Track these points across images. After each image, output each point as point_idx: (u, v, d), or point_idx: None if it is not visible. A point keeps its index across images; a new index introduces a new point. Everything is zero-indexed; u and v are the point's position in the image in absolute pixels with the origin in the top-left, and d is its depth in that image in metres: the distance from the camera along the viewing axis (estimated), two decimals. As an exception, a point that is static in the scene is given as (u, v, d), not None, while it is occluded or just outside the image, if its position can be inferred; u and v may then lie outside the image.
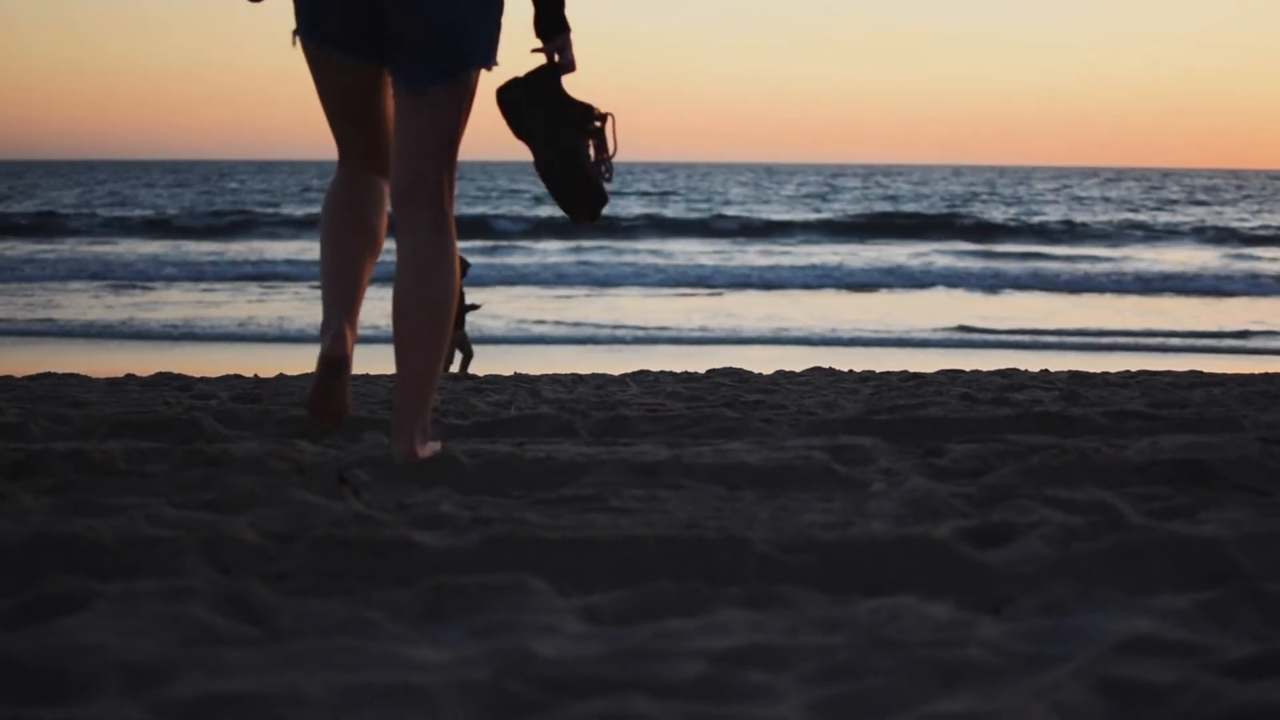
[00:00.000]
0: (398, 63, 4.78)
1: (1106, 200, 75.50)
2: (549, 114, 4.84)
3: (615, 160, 4.90)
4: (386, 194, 4.98)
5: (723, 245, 46.62)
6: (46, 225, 52.02)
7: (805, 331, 25.52)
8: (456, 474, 4.59)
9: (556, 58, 4.86)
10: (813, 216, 59.87)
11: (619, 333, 24.84)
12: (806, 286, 35.38)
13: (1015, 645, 2.63)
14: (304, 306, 29.76)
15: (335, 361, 4.72)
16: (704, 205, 66.81)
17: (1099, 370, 9.83)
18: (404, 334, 4.81)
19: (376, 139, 4.96)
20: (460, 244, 5.04)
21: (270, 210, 59.46)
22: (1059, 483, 4.38)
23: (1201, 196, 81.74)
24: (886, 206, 66.88)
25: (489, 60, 4.79)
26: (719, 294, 33.39)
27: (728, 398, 7.10)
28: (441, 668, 2.56)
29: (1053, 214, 62.59)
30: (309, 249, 42.28)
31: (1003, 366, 10.31)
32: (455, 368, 20.08)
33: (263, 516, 3.84)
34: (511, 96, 4.86)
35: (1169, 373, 9.64)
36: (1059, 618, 2.84)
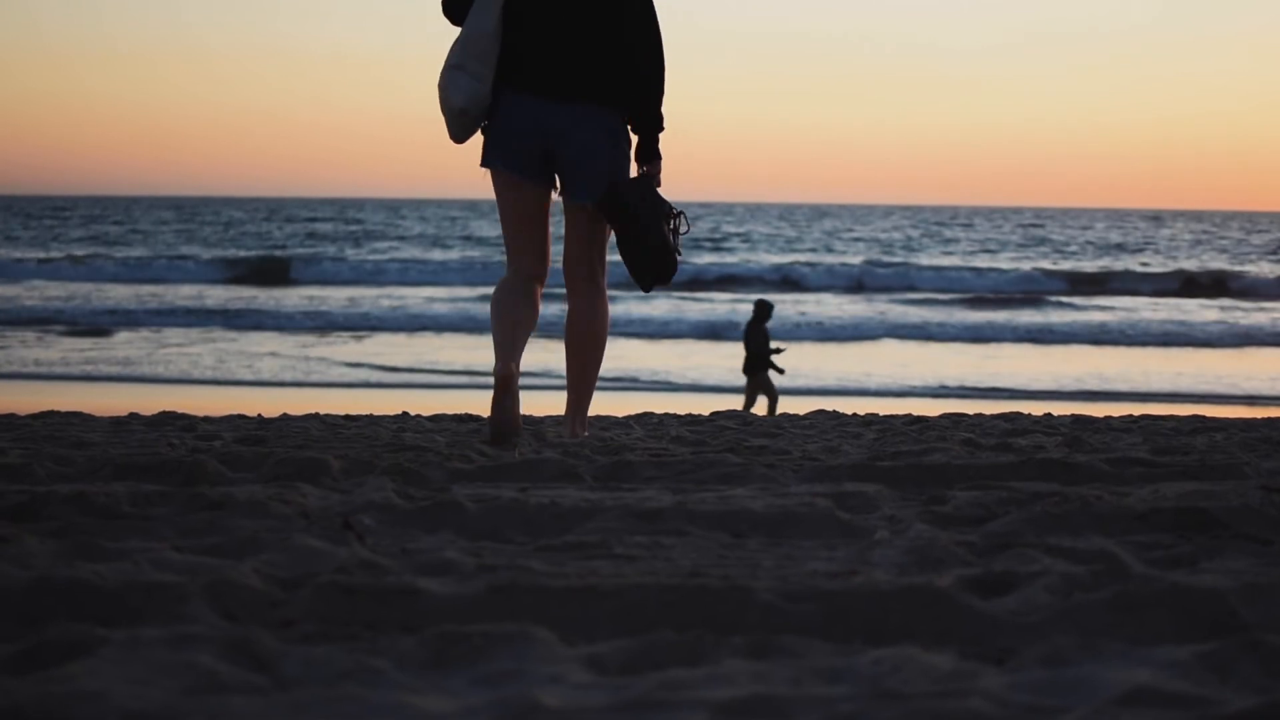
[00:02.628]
0: (565, 184, 7.06)
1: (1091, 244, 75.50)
2: (653, 208, 6.95)
3: None
4: (538, 295, 7.17)
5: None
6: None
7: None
8: (460, 519, 4.60)
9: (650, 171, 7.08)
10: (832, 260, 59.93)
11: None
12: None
13: (1017, 696, 2.64)
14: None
15: (504, 378, 6.80)
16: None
17: (1102, 414, 9.82)
18: (572, 356, 7.23)
19: (538, 243, 7.14)
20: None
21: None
22: (1061, 531, 4.39)
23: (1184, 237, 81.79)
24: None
25: (622, 176, 6.99)
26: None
27: (731, 442, 7.10)
28: (447, 717, 2.57)
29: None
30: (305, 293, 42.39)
31: (1006, 410, 10.31)
32: (760, 410, 20.15)
33: (267, 562, 3.85)
34: (623, 189, 6.96)
35: (1171, 417, 9.64)
36: (1061, 668, 2.85)
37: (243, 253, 58.66)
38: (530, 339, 7.18)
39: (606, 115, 6.99)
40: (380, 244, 70.09)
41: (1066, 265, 60.35)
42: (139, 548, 4.04)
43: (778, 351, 21.59)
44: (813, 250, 69.99)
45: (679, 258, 7.07)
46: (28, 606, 3.42)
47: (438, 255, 58.89)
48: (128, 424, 8.48)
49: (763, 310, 22.01)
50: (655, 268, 7.03)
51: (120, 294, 42.56)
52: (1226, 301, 46.81)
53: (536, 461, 5.82)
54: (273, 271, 50.08)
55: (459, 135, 7.07)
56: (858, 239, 79.98)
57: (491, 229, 79.49)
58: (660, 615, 3.30)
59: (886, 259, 61.85)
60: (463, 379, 24.74)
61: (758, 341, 21.45)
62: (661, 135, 7.13)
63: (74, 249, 61.99)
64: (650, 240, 6.95)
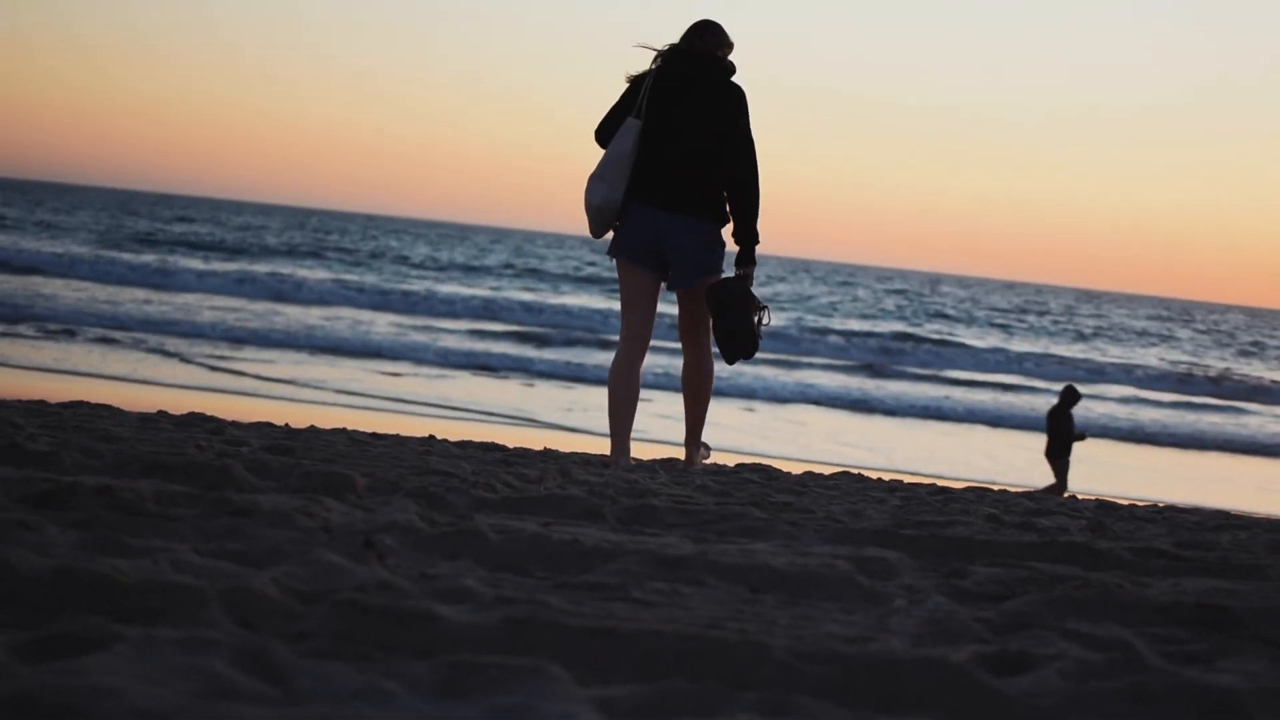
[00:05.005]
0: (671, 275, 9.18)
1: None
2: (745, 303, 8.97)
3: None
4: (641, 368, 9.25)
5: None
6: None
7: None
8: (481, 548, 4.60)
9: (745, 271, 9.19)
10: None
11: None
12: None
13: (1026, 779, 2.63)
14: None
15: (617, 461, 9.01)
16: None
17: (1126, 502, 9.80)
18: (687, 399, 9.45)
19: (645, 313, 9.27)
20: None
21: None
22: (1080, 616, 4.38)
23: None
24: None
25: (717, 274, 9.14)
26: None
27: (756, 496, 7.10)
28: (454, 746, 2.57)
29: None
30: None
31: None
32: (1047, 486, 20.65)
33: (287, 573, 3.85)
34: (724, 286, 9.03)
35: (1196, 510, 9.62)
36: (1071, 755, 2.84)
37: (254, 266, 57.98)
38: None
39: (704, 227, 9.06)
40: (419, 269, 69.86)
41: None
42: (161, 547, 4.05)
43: (1081, 438, 22.05)
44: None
45: (760, 340, 9.07)
46: (45, 595, 3.43)
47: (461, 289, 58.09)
48: (156, 421, 8.50)
49: (1070, 396, 22.66)
50: (743, 348, 9.01)
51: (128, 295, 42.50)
52: None
53: (561, 498, 5.82)
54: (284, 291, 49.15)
55: (596, 231, 9.23)
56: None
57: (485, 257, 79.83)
58: (675, 664, 3.29)
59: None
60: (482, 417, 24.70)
61: (1061, 427, 21.86)
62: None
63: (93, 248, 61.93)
64: (741, 328, 8.98)
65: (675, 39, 9.25)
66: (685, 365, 9.43)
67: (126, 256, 55.28)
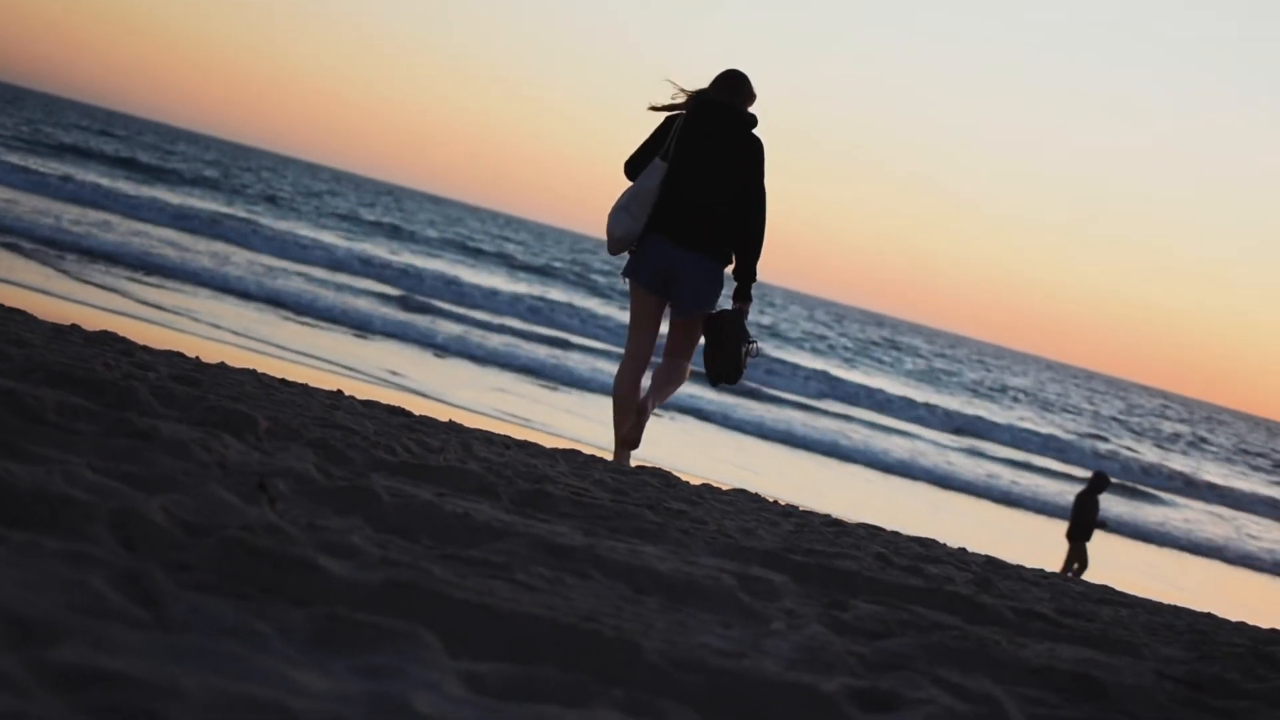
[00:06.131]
0: (673, 302, 10.18)
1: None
2: (738, 335, 10.02)
3: None
4: (641, 380, 10.32)
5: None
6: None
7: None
8: (374, 508, 4.59)
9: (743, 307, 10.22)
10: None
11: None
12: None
13: (876, 815, 2.65)
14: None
15: (622, 440, 10.24)
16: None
17: (1015, 562, 9.85)
18: (649, 392, 10.16)
19: (648, 335, 10.38)
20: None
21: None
22: (954, 666, 4.40)
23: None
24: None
25: (713, 307, 10.15)
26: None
27: (652, 500, 7.11)
28: (318, 697, 2.57)
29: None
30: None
31: (922, 535, 10.34)
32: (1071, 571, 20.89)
33: (177, 503, 3.84)
34: (723, 318, 10.07)
35: (1082, 581, 9.67)
36: (924, 798, 2.85)
37: (189, 199, 57.25)
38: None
39: (710, 263, 10.11)
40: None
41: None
42: (56, 458, 4.02)
43: (1103, 526, 22.46)
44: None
45: (747, 367, 10.21)
46: (-67, 488, 3.40)
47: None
48: (68, 334, 8.44)
49: (1099, 482, 23.27)
50: (727, 374, 10.07)
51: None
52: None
53: (459, 471, 5.82)
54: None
55: (613, 251, 10.33)
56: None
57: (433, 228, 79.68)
58: (548, 650, 3.30)
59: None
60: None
61: (1086, 510, 22.28)
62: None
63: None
64: (731, 357, 10.02)
65: (704, 84, 10.28)
66: (661, 367, 10.41)
67: (33, 163, 54.65)
